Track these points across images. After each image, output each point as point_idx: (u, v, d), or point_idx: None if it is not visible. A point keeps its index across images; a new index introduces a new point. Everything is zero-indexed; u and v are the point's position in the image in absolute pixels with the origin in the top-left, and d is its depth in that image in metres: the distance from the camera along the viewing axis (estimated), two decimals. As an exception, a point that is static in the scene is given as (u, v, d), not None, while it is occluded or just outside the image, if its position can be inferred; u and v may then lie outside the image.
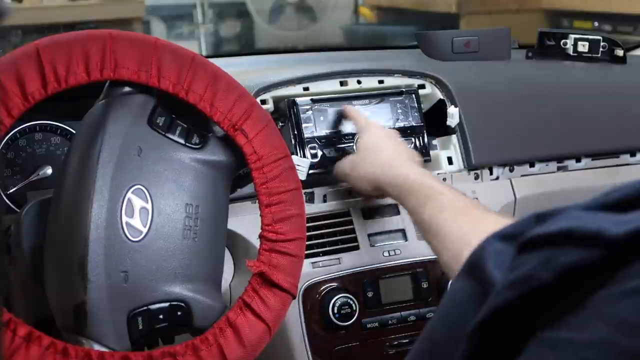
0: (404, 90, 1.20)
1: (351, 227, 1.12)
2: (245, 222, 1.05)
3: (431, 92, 1.23)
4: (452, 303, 0.49)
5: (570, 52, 1.46)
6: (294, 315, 1.06)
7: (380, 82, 1.21)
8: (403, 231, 1.14)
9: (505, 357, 0.42)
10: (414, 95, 1.20)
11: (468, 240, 0.82)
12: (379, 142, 1.06)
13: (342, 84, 1.19)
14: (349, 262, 1.10)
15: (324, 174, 1.13)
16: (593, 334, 0.38)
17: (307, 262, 1.06)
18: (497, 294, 0.43)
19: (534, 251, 0.42)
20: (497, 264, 0.45)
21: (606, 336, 0.37)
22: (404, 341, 1.12)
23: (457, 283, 0.49)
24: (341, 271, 1.09)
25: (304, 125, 1.13)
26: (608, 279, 0.39)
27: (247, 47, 4.06)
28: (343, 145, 1.14)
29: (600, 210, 0.42)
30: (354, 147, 1.11)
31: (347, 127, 1.14)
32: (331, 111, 1.15)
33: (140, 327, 0.83)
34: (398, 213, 1.15)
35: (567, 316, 0.40)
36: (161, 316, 0.84)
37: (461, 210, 0.88)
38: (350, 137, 1.14)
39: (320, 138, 1.13)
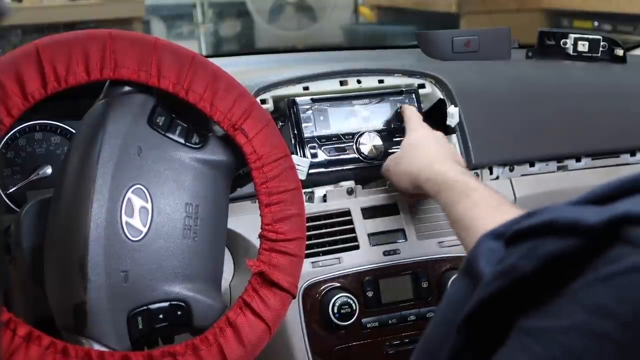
0: (404, 89, 1.20)
1: (351, 226, 1.12)
2: (245, 221, 1.05)
3: (431, 92, 1.23)
4: (448, 302, 0.49)
5: (570, 51, 1.46)
6: (294, 315, 1.06)
7: (380, 81, 1.21)
8: (403, 231, 1.14)
9: (492, 348, 0.42)
10: (414, 95, 1.20)
11: None
12: (422, 142, 1.08)
13: (342, 83, 1.19)
14: (349, 262, 1.10)
15: (323, 173, 1.13)
16: (570, 320, 0.39)
17: (307, 262, 1.06)
18: (484, 286, 0.43)
19: (519, 244, 0.43)
20: (488, 261, 0.45)
21: (582, 321, 0.38)
22: (404, 341, 1.12)
23: (455, 283, 0.50)
24: (341, 271, 1.09)
25: (303, 124, 1.13)
26: (585, 267, 0.40)
27: (247, 46, 4.05)
28: (343, 145, 1.14)
29: (584, 204, 0.43)
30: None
31: (399, 124, 1.17)
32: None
33: (140, 326, 0.83)
34: (398, 213, 1.15)
35: (546, 305, 0.40)
36: (161, 316, 0.84)
37: (493, 207, 0.91)
38: (350, 136, 1.15)
39: (320, 138, 1.13)
